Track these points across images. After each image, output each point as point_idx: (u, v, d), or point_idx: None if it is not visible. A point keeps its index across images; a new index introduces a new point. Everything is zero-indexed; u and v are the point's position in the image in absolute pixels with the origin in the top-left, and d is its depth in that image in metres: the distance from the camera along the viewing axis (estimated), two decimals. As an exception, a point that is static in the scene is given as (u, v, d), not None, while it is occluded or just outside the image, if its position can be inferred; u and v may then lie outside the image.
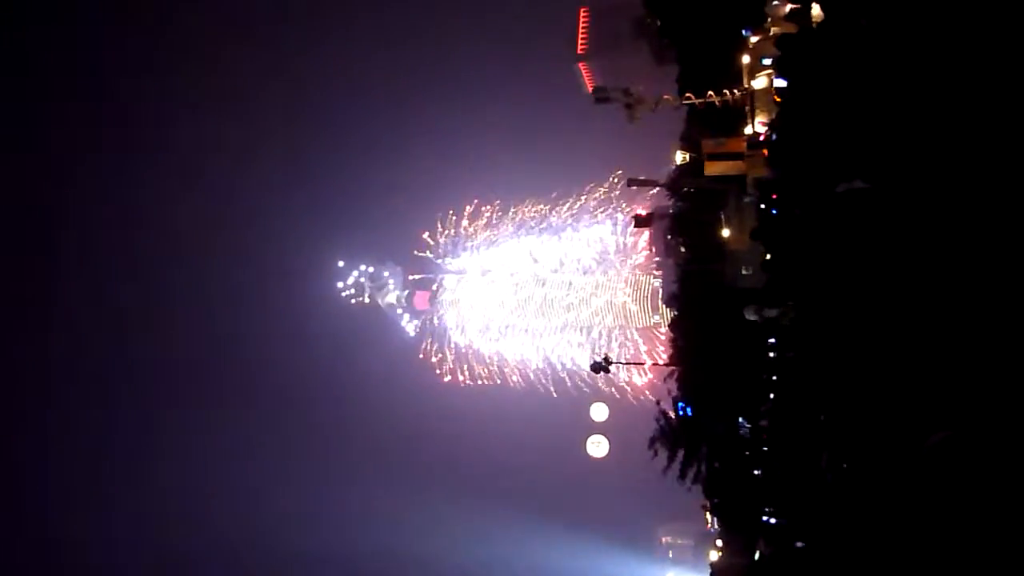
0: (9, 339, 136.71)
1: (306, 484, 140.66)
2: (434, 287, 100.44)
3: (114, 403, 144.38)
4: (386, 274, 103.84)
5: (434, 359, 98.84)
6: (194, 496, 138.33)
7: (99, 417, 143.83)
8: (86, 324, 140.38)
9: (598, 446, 68.80)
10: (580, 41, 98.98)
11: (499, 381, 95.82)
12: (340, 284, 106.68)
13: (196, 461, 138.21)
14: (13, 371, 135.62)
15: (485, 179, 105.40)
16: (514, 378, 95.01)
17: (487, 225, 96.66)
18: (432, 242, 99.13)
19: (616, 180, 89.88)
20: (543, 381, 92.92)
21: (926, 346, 37.66)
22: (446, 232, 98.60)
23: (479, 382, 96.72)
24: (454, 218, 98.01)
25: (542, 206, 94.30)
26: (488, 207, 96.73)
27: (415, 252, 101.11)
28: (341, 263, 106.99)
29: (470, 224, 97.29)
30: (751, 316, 54.55)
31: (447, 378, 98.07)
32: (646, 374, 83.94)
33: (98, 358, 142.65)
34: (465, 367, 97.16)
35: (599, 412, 69.10)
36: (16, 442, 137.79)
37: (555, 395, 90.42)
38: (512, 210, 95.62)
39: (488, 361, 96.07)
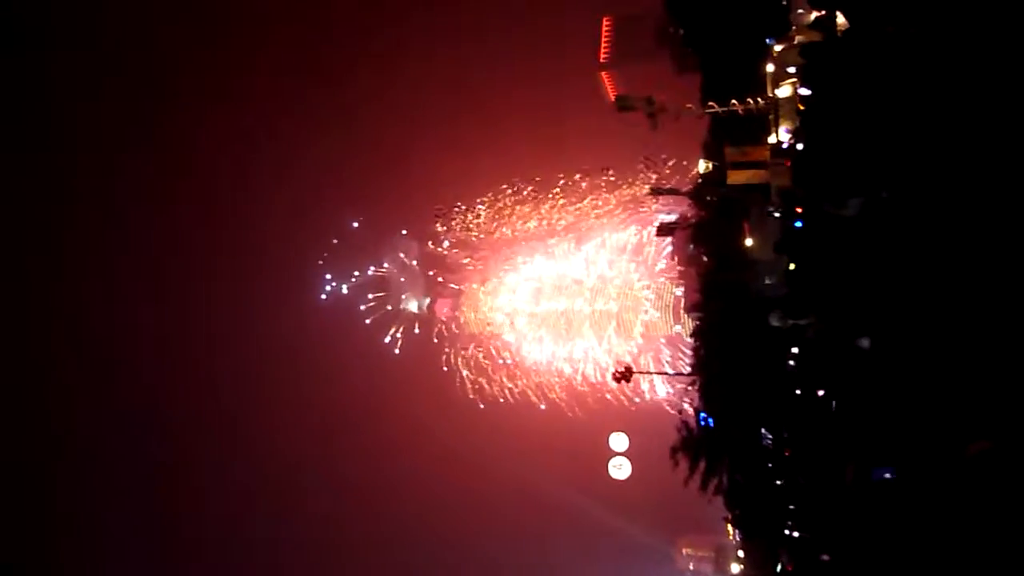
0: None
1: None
2: (454, 290, 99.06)
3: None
4: (401, 254, 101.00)
5: (456, 372, 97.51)
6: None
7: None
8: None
9: (620, 468, 68.01)
10: (603, 50, 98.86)
11: (520, 396, 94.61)
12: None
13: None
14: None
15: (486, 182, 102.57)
16: (534, 389, 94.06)
17: (508, 219, 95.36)
18: (447, 228, 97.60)
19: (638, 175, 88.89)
20: (564, 395, 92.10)
21: (957, 356, 37.28)
22: (465, 220, 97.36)
23: (501, 399, 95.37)
24: (478, 207, 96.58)
25: (564, 212, 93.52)
26: (510, 200, 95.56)
27: (437, 226, 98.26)
28: (356, 223, 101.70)
29: (494, 213, 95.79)
30: (776, 322, 54.36)
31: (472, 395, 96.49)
32: (668, 384, 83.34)
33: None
34: (484, 380, 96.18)
35: (619, 442, 68.09)
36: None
37: (588, 404, 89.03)
38: (534, 211, 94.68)
39: (509, 374, 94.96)
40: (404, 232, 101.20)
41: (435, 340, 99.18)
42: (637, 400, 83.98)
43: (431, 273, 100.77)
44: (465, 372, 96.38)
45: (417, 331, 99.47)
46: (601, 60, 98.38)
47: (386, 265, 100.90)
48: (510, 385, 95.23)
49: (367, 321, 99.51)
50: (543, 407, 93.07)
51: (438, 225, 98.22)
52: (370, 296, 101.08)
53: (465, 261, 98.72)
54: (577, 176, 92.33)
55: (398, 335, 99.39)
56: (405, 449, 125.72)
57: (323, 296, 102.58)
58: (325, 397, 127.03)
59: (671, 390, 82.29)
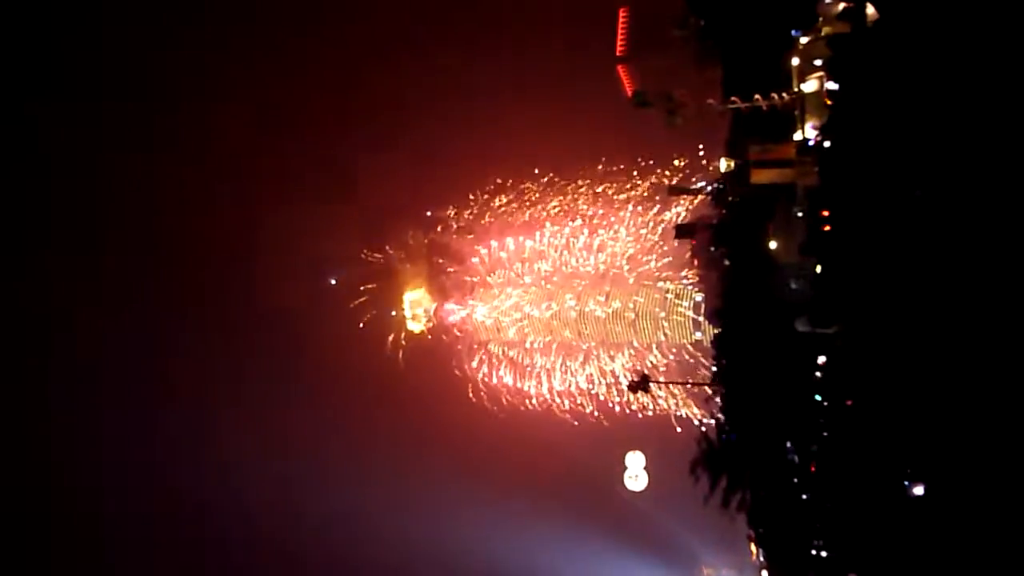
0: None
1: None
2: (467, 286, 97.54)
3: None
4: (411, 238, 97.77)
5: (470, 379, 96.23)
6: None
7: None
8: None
9: (636, 479, 67.13)
10: (619, 43, 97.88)
11: (535, 405, 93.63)
12: None
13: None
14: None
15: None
16: (549, 397, 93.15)
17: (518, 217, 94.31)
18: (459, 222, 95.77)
19: (668, 177, 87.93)
20: (578, 403, 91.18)
21: (991, 365, 36.17)
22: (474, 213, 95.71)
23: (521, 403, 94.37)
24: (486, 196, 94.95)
25: (580, 203, 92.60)
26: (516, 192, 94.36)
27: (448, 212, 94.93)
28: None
29: (503, 206, 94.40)
30: (803, 328, 53.20)
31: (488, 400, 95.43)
32: (687, 394, 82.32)
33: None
34: (500, 386, 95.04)
35: (635, 461, 67.32)
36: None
37: (605, 421, 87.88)
38: (546, 206, 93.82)
39: (522, 382, 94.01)
40: (429, 213, 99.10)
41: (445, 338, 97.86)
42: (657, 411, 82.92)
43: (440, 261, 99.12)
44: (477, 377, 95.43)
45: (429, 337, 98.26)
46: (618, 53, 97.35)
47: (388, 249, 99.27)
48: (527, 388, 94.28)
49: (360, 325, 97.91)
50: (575, 423, 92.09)
51: (449, 211, 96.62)
52: (362, 288, 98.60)
53: (479, 250, 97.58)
54: (600, 165, 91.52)
55: (402, 340, 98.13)
56: (409, 457, 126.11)
57: (332, 281, 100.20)
58: (327, 400, 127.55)
59: (692, 408, 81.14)
